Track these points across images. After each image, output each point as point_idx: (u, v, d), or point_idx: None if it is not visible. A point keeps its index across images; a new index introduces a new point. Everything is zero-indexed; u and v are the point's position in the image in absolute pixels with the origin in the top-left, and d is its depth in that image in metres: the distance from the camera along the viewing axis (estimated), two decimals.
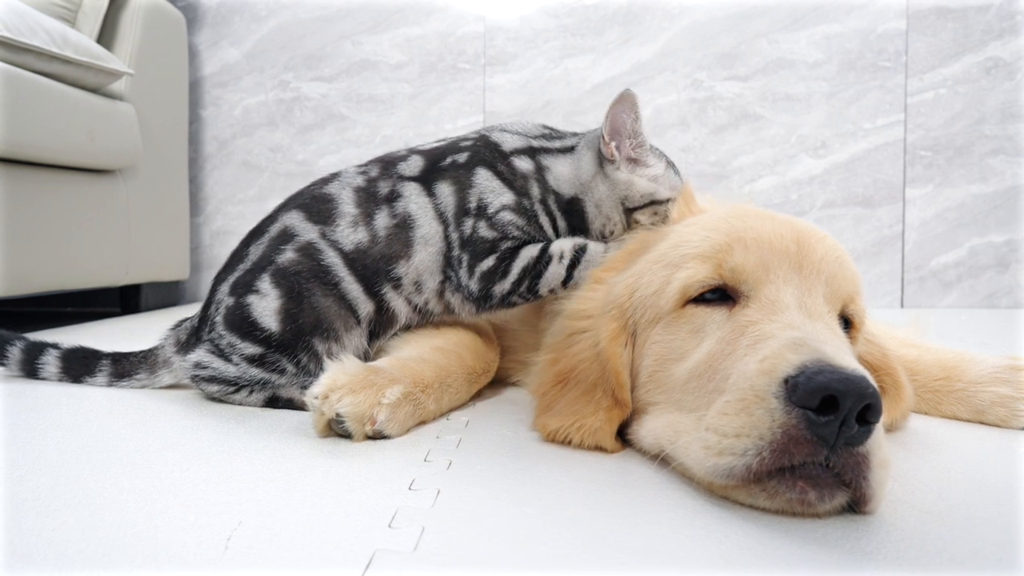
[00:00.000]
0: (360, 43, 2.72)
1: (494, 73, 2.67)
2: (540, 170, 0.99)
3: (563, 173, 0.99)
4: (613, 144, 0.97)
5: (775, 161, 2.59)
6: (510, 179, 0.97)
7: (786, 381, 0.56)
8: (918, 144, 2.53)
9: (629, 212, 0.98)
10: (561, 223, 0.99)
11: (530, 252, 0.95)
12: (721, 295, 0.71)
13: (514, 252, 0.95)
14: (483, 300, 0.96)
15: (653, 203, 0.97)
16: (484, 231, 0.94)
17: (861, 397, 0.53)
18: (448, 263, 0.96)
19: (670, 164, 1.01)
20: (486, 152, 0.99)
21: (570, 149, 1.01)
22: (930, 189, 2.53)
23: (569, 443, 0.76)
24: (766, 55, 2.57)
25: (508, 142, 1.01)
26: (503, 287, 0.95)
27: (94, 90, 1.95)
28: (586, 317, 0.83)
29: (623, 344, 0.77)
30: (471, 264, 0.94)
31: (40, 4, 1.97)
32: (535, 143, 1.02)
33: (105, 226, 2.02)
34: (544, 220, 0.98)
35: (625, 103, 0.95)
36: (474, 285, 0.94)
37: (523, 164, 0.99)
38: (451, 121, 2.69)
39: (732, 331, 0.67)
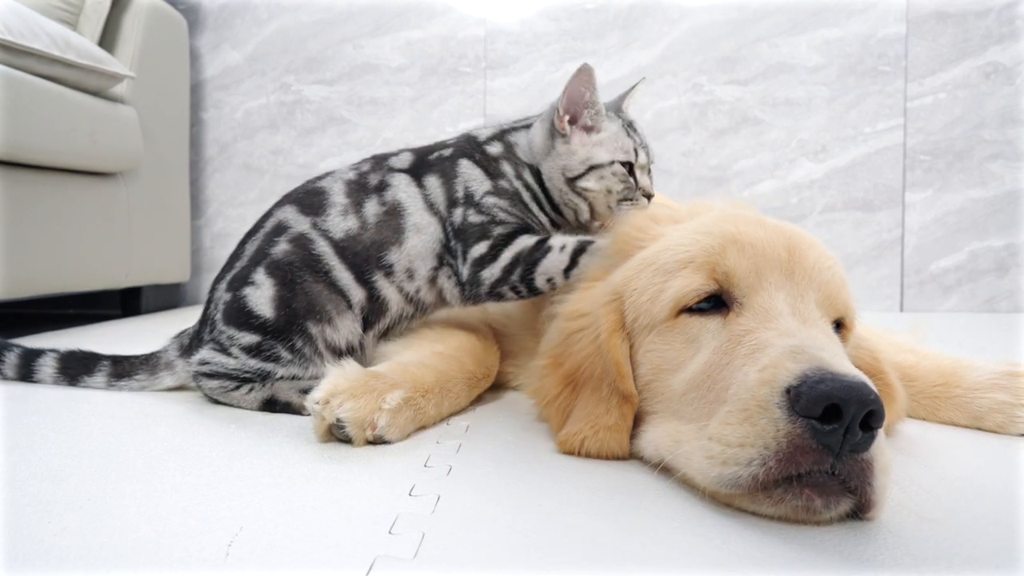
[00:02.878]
0: (361, 46, 2.72)
1: (495, 76, 2.68)
2: (509, 147, 1.04)
3: (521, 142, 1.04)
4: (567, 118, 0.99)
5: (775, 165, 2.59)
6: (485, 165, 1.01)
7: (788, 391, 0.56)
8: (918, 148, 2.53)
9: (571, 182, 1.00)
10: (548, 204, 1.02)
11: (526, 241, 0.96)
12: (715, 303, 0.71)
13: (508, 239, 0.96)
14: (471, 285, 0.96)
15: (592, 168, 0.99)
16: (473, 217, 0.97)
17: (864, 404, 0.53)
18: (446, 251, 0.98)
19: (628, 126, 1.02)
20: (466, 145, 1.04)
21: (531, 125, 1.06)
22: (930, 193, 2.53)
23: (582, 451, 0.74)
24: (766, 59, 2.57)
25: (483, 133, 1.07)
26: (492, 272, 0.95)
27: (95, 93, 1.95)
28: (583, 315, 0.82)
29: (622, 338, 0.76)
30: (464, 251, 0.96)
31: (42, 6, 1.98)
32: (506, 126, 1.08)
33: (106, 228, 2.02)
34: (527, 197, 1.01)
35: (583, 76, 0.98)
36: (466, 271, 0.96)
37: (494, 148, 1.04)
38: (452, 124, 2.70)
39: (728, 340, 0.66)
